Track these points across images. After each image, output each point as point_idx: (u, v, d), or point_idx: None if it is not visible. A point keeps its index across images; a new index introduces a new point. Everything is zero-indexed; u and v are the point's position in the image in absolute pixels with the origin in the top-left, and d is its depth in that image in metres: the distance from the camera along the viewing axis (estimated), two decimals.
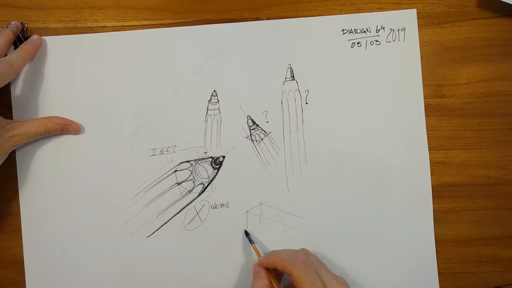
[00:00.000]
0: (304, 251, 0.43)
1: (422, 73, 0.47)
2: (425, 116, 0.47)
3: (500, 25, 0.48)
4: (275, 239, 0.47)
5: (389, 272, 0.46)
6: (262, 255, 0.45)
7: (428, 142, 0.47)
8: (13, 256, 0.47)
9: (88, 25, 0.48)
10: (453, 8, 0.48)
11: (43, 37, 0.46)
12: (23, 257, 0.46)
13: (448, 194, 0.47)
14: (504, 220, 0.47)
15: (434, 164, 0.47)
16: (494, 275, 0.47)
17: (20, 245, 0.46)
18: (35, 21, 0.47)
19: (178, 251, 0.46)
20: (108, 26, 0.47)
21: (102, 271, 0.46)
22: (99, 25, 0.47)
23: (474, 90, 0.48)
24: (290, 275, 0.40)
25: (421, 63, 0.47)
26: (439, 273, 0.47)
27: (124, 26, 0.47)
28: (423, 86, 0.47)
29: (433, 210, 0.47)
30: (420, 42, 0.47)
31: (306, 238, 0.47)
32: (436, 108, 0.47)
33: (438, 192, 0.47)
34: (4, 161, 0.44)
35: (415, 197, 0.47)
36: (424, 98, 0.47)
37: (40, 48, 0.46)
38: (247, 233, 0.46)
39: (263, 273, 0.43)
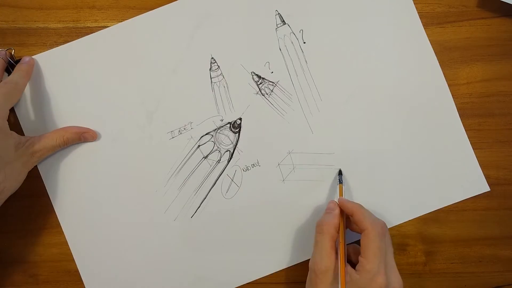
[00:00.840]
0: (384, 222, 0.41)
1: None
2: None
3: (500, 25, 0.48)
4: (313, 185, 0.46)
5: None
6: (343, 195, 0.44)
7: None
8: (13, 256, 0.47)
9: (88, 25, 0.48)
10: (453, 8, 0.48)
11: (34, 56, 0.46)
12: (23, 257, 0.46)
13: None
14: (504, 220, 0.47)
15: None
16: (494, 275, 0.47)
17: (20, 245, 0.46)
18: (35, 21, 0.47)
19: (224, 221, 0.46)
20: (108, 26, 0.47)
21: (154, 262, 0.46)
22: (99, 25, 0.47)
23: (474, 90, 0.48)
24: (362, 230, 0.40)
25: None
26: (439, 273, 0.47)
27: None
28: None
29: (433, 211, 0.47)
30: None
31: (343, 169, 0.46)
32: None
33: None
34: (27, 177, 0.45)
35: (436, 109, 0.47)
36: None
37: (34, 67, 0.46)
38: (340, 172, 0.46)
39: (337, 211, 0.42)
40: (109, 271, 0.46)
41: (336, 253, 0.40)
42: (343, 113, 0.47)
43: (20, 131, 0.46)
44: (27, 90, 0.46)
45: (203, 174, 0.46)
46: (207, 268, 0.46)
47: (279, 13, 0.47)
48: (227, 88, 0.47)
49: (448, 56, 0.48)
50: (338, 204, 0.43)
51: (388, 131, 0.47)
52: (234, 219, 0.46)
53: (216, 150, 0.46)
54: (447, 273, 0.47)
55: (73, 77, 0.47)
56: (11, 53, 0.47)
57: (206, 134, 0.47)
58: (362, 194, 0.46)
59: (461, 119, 0.47)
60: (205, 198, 0.46)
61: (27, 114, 0.46)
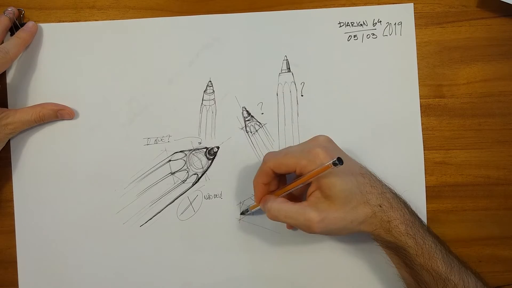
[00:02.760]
0: (317, 142, 0.42)
1: (422, 73, 0.47)
2: (425, 116, 0.47)
3: (500, 25, 0.48)
4: (267, 230, 0.47)
5: None
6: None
7: (428, 142, 0.47)
8: (12, 256, 0.47)
9: None
10: (453, 8, 0.48)
11: (40, 24, 0.46)
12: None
13: (448, 194, 0.47)
14: (504, 220, 0.47)
15: (434, 164, 0.47)
16: (494, 275, 0.47)
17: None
18: (35, 21, 0.47)
19: (171, 241, 0.46)
20: None
21: (95, 260, 0.46)
22: None
23: (474, 90, 0.48)
24: (273, 172, 0.41)
25: (421, 63, 0.47)
26: None
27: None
28: (423, 86, 0.47)
29: (433, 211, 0.47)
30: (420, 42, 0.47)
31: (297, 233, 0.46)
32: (436, 108, 0.47)
33: (438, 192, 0.47)
34: None
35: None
36: (424, 98, 0.47)
37: (36, 35, 0.46)
38: (242, 213, 0.46)
39: (264, 197, 0.42)
40: (47, 254, 0.46)
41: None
42: None
43: (4, 100, 0.46)
44: (22, 60, 0.46)
45: (165, 189, 0.47)
46: (149, 275, 0.46)
47: (287, 59, 0.47)
48: (215, 114, 0.47)
49: (448, 56, 0.48)
50: (259, 202, 0.43)
51: None
52: (181, 241, 0.46)
53: (185, 170, 0.47)
54: None
55: (72, 57, 0.47)
56: (20, 14, 0.46)
57: (180, 151, 0.47)
58: None
59: (460, 120, 0.47)
60: (159, 212, 0.46)
61: (16, 82, 0.46)
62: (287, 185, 0.41)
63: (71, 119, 0.46)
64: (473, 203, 0.47)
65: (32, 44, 0.46)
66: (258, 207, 0.43)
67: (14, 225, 0.46)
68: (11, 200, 0.46)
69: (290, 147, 0.42)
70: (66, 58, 0.47)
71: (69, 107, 0.46)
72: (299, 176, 0.40)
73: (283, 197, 0.41)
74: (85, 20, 0.47)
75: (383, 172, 0.44)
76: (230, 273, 0.46)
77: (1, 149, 0.45)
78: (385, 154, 0.47)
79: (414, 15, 0.47)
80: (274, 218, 0.40)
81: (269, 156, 0.41)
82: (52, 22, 0.47)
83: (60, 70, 0.47)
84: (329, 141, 0.42)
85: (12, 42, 0.44)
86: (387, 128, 0.47)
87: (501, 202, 0.47)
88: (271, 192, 0.42)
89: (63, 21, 0.47)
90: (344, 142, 0.45)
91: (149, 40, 0.47)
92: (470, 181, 0.47)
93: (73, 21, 0.47)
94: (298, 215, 0.39)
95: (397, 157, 0.47)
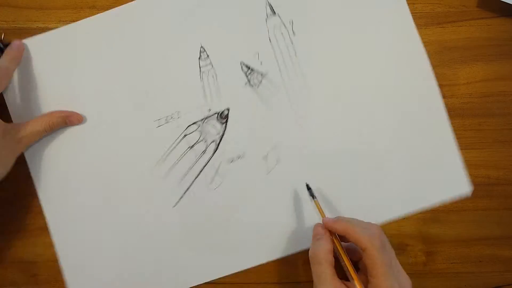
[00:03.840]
0: (377, 227, 0.39)
1: None
2: None
3: (500, 25, 0.48)
4: (297, 177, 0.46)
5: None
6: (324, 213, 0.42)
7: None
8: (13, 256, 0.47)
9: None
10: (453, 8, 0.48)
11: (23, 40, 0.46)
12: (23, 257, 0.46)
13: None
14: (504, 220, 0.47)
15: None
16: (494, 275, 0.47)
17: (20, 245, 0.46)
18: (35, 21, 0.47)
19: (207, 213, 0.46)
20: None
21: (132, 251, 0.46)
22: None
23: (474, 90, 0.48)
24: (363, 250, 0.37)
25: None
26: (439, 273, 0.47)
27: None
28: None
29: (433, 211, 0.47)
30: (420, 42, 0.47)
31: (328, 165, 0.46)
32: None
33: None
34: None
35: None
36: None
37: (24, 52, 0.46)
38: (308, 187, 0.45)
39: (326, 236, 0.39)
40: (89, 258, 0.46)
41: (339, 278, 0.38)
42: (331, 106, 0.47)
43: (7, 117, 0.46)
44: (15, 75, 0.46)
45: (188, 164, 0.46)
46: (191, 258, 0.46)
47: (269, 3, 0.47)
48: (216, 77, 0.47)
49: (448, 56, 0.47)
50: (324, 226, 0.40)
51: (377, 124, 0.46)
52: (217, 211, 0.46)
53: (202, 140, 0.46)
54: (447, 273, 0.47)
55: (62, 62, 0.46)
56: (0, 37, 0.46)
57: (193, 123, 0.46)
58: (348, 188, 0.46)
59: (460, 120, 0.47)
60: (188, 188, 0.46)
61: (15, 99, 0.46)
62: (350, 263, 0.39)
63: (80, 124, 0.46)
64: (473, 203, 0.47)
65: (21, 60, 0.46)
66: (320, 219, 0.41)
67: (16, 225, 0.46)
68: (16, 199, 0.46)
69: (392, 256, 0.39)
70: (57, 65, 0.46)
71: (76, 113, 0.46)
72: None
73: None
74: None
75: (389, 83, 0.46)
76: (268, 224, 0.46)
77: (14, 163, 0.45)
78: (388, 71, 0.47)
79: (415, 15, 0.47)
80: (311, 259, 0.39)
81: (376, 243, 0.38)
82: (52, 22, 0.47)
83: (55, 78, 0.46)
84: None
85: (5, 59, 0.44)
86: (386, 46, 0.47)
87: (501, 202, 0.47)
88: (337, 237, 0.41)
89: (63, 21, 0.47)
90: (347, 64, 0.46)
91: (132, 24, 0.47)
92: (470, 181, 0.47)
93: (73, 20, 0.47)
94: (322, 285, 0.37)
95: (402, 74, 0.47)
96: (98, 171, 0.46)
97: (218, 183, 0.46)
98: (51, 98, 0.46)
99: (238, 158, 0.46)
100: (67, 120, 0.45)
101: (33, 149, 0.46)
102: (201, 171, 0.46)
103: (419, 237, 0.47)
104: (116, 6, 0.48)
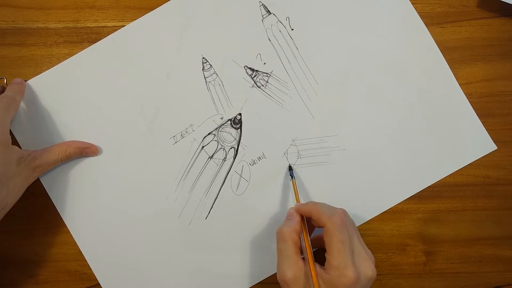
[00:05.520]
0: (342, 210, 0.40)
1: None
2: None
3: (500, 25, 0.48)
4: (321, 168, 0.46)
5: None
6: (299, 194, 0.44)
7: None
8: (13, 256, 0.47)
9: (88, 25, 0.48)
10: (453, 8, 0.48)
11: (27, 81, 0.46)
12: (23, 257, 0.46)
13: (448, 194, 0.47)
14: (504, 220, 0.47)
15: None
16: (494, 275, 0.47)
17: (20, 245, 0.46)
18: (35, 21, 0.47)
19: (240, 218, 0.46)
20: (108, 26, 0.47)
21: (173, 269, 0.46)
22: (99, 25, 0.47)
23: (474, 90, 0.48)
24: (323, 227, 0.39)
25: None
26: (439, 273, 0.47)
27: (124, 26, 0.47)
28: None
29: (433, 211, 0.47)
30: None
31: (348, 154, 0.47)
32: None
33: (438, 192, 0.47)
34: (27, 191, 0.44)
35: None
36: None
37: (28, 93, 0.46)
38: (290, 168, 0.46)
39: (297, 218, 0.41)
40: (128, 281, 0.46)
41: (303, 258, 0.39)
42: (341, 94, 0.47)
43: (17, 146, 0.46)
44: (22, 110, 0.46)
45: (211, 174, 0.47)
46: (227, 266, 0.46)
47: (263, 4, 0.47)
48: (222, 85, 0.47)
49: (448, 56, 0.47)
50: (296, 210, 0.42)
51: (388, 104, 0.47)
52: (248, 214, 0.46)
53: (221, 148, 0.46)
54: (447, 273, 0.47)
55: (69, 94, 0.46)
56: (3, 83, 0.46)
57: (209, 134, 0.47)
58: (369, 171, 0.46)
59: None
60: (216, 197, 0.46)
61: (23, 132, 0.46)
62: (310, 246, 0.40)
63: (95, 156, 0.46)
64: (473, 203, 0.47)
65: (27, 97, 0.46)
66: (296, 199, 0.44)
67: (16, 224, 0.46)
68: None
69: (352, 238, 0.39)
70: (63, 100, 0.46)
71: (93, 145, 0.46)
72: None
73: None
74: (85, 20, 0.47)
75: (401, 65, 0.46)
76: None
77: (34, 191, 0.45)
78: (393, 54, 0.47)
79: None
80: (277, 236, 0.40)
81: (336, 221, 0.39)
82: (52, 22, 0.47)
83: (63, 112, 0.46)
84: (370, 280, 0.39)
85: (10, 90, 0.44)
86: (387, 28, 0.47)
87: (501, 202, 0.47)
88: (307, 223, 0.42)
89: (63, 21, 0.47)
90: (351, 50, 0.47)
91: (132, 48, 0.47)
92: (470, 181, 0.47)
93: (73, 20, 0.47)
94: (283, 261, 0.39)
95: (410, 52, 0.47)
96: (124, 196, 0.46)
97: (244, 187, 0.46)
98: (61, 129, 0.46)
99: (259, 159, 0.47)
100: (84, 152, 0.45)
101: (49, 177, 0.46)
102: (225, 179, 0.47)
103: (419, 237, 0.47)
104: (116, 7, 0.48)
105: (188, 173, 0.46)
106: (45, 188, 0.46)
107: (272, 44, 0.47)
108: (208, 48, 0.47)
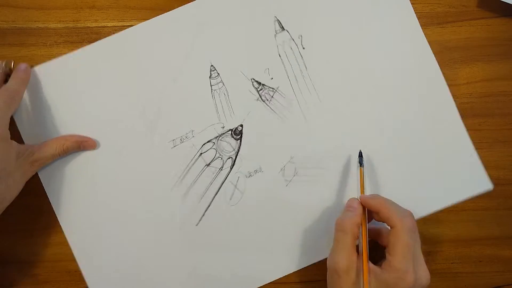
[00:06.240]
0: (411, 212, 0.40)
1: None
2: None
3: (500, 25, 0.48)
4: (317, 187, 0.46)
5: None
6: (364, 190, 0.44)
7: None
8: (13, 256, 0.47)
9: (88, 25, 0.48)
10: (453, 8, 0.48)
11: (34, 68, 0.46)
12: (23, 257, 0.46)
13: None
14: (504, 220, 0.47)
15: None
16: (494, 275, 0.47)
17: (20, 245, 0.46)
18: (35, 21, 0.47)
19: (230, 228, 0.46)
20: (108, 26, 0.47)
21: (161, 270, 0.46)
22: (99, 25, 0.48)
23: (474, 90, 0.48)
24: (392, 228, 0.38)
25: None
26: (439, 273, 0.47)
27: (124, 26, 0.47)
28: None
29: (433, 210, 0.47)
30: None
31: (345, 173, 0.46)
32: None
33: None
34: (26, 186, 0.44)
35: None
36: None
37: (33, 80, 0.46)
38: (360, 154, 0.45)
39: (359, 210, 0.41)
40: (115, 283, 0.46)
41: (357, 251, 0.39)
42: (343, 116, 0.47)
43: (19, 139, 0.46)
44: (26, 98, 0.46)
45: (207, 182, 0.46)
46: (214, 275, 0.46)
47: (277, 19, 0.47)
48: (228, 95, 0.47)
49: (448, 56, 0.48)
50: (360, 202, 0.41)
51: (389, 130, 0.47)
52: (239, 226, 0.46)
53: (219, 157, 0.46)
54: (447, 273, 0.47)
55: (72, 87, 0.46)
56: (10, 66, 0.46)
57: (208, 141, 0.47)
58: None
59: (461, 119, 0.47)
60: (209, 205, 0.46)
61: (26, 121, 0.46)
62: (367, 244, 0.40)
63: (93, 149, 0.46)
64: (473, 203, 0.47)
65: (31, 85, 0.46)
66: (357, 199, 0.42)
67: (16, 224, 0.46)
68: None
69: (417, 244, 0.39)
70: (68, 90, 0.46)
71: (91, 138, 0.46)
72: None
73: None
74: (85, 20, 0.47)
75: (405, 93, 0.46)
76: (288, 236, 0.46)
77: (32, 187, 0.45)
78: (401, 78, 0.47)
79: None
80: (336, 225, 0.40)
81: (406, 225, 0.38)
82: (52, 22, 0.47)
83: (66, 103, 0.46)
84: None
85: (13, 81, 0.44)
86: (395, 56, 0.47)
87: (501, 202, 0.47)
88: (369, 215, 0.42)
89: (63, 21, 0.47)
90: (357, 74, 0.47)
91: (141, 47, 0.47)
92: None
93: (73, 20, 0.47)
94: (339, 251, 0.39)
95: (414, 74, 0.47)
96: (119, 195, 0.46)
97: (238, 199, 0.46)
98: (63, 121, 0.46)
99: (256, 172, 0.46)
100: (82, 145, 0.45)
101: (47, 171, 0.46)
102: (220, 188, 0.46)
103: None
104: (116, 7, 0.48)
105: (184, 177, 0.46)
106: (43, 185, 0.46)
107: (282, 60, 0.47)
108: (218, 57, 0.47)
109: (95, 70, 0.47)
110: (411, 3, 0.48)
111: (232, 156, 0.47)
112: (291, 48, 0.47)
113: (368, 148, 0.46)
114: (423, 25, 0.47)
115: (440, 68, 0.47)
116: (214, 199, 0.46)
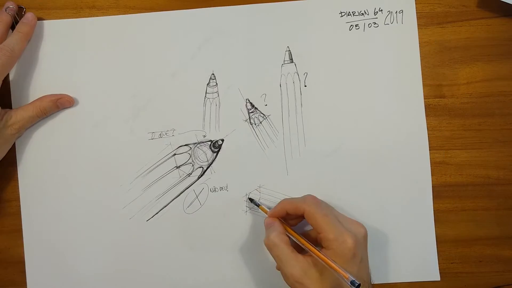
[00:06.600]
0: (309, 194, 0.42)
1: (422, 73, 0.47)
2: (425, 116, 0.47)
3: (500, 25, 0.48)
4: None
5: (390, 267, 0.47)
6: (265, 209, 0.44)
7: (428, 142, 0.47)
8: (13, 256, 0.47)
9: None
10: (453, 8, 0.48)
11: (42, 21, 0.46)
12: (23, 256, 0.46)
13: (448, 194, 0.47)
14: (504, 220, 0.47)
15: (434, 164, 0.47)
16: (494, 275, 0.47)
17: (20, 245, 0.46)
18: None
19: (178, 235, 0.46)
20: None
21: (101, 255, 0.46)
22: None
23: (474, 90, 0.48)
24: (304, 214, 0.40)
25: (422, 63, 0.47)
26: (439, 273, 0.47)
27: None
28: (423, 86, 0.47)
29: (433, 210, 0.47)
30: (420, 42, 0.47)
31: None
32: (436, 108, 0.47)
33: (438, 192, 0.47)
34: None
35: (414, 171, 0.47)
36: (424, 98, 0.47)
37: (37, 32, 0.46)
38: (251, 200, 0.46)
39: (276, 222, 0.42)
40: (54, 252, 0.46)
41: (300, 252, 0.40)
42: (322, 165, 0.47)
43: (8, 100, 0.46)
44: (24, 57, 0.46)
45: (171, 183, 0.47)
46: (150, 273, 0.46)
47: (289, 50, 0.47)
48: (219, 107, 0.47)
49: (448, 56, 0.47)
50: (271, 216, 0.43)
51: (364, 194, 0.47)
52: (187, 233, 0.46)
53: (190, 163, 0.47)
54: (447, 273, 0.47)
55: (74, 52, 0.47)
56: (21, 12, 0.46)
57: (185, 145, 0.47)
58: None
59: (460, 120, 0.47)
60: (165, 206, 0.47)
61: (18, 82, 0.46)
62: (302, 237, 0.40)
63: (72, 106, 0.46)
64: (473, 203, 0.47)
65: (32, 40, 0.46)
66: (266, 216, 0.43)
67: (16, 224, 0.46)
68: (16, 200, 0.46)
69: (332, 210, 0.42)
70: (67, 55, 0.47)
71: (67, 95, 0.46)
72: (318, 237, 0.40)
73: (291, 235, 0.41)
74: None
75: (388, 156, 0.47)
76: (237, 266, 0.46)
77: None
78: (388, 143, 0.47)
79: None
80: (267, 247, 0.41)
81: (311, 201, 0.41)
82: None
83: (62, 67, 0.47)
84: (365, 237, 0.40)
85: (15, 38, 0.44)
86: (389, 118, 0.47)
87: (501, 202, 0.47)
88: (286, 223, 0.42)
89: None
90: (348, 131, 0.47)
91: (150, 34, 0.47)
92: (470, 181, 0.47)
93: None
94: (285, 263, 0.38)
95: (403, 139, 0.47)
96: (82, 168, 0.46)
97: (195, 208, 0.47)
98: (53, 86, 0.46)
99: (221, 189, 0.47)
100: (58, 103, 0.45)
101: (24, 136, 0.46)
102: (181, 192, 0.47)
103: None
104: (116, 7, 0.48)
105: (150, 172, 0.46)
106: (15, 150, 0.46)
107: (281, 91, 0.47)
108: (221, 67, 0.47)
109: (101, 43, 0.47)
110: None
111: (203, 166, 0.47)
112: (293, 82, 0.47)
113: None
114: (423, 25, 0.47)
115: (440, 68, 0.47)
116: (173, 201, 0.47)
